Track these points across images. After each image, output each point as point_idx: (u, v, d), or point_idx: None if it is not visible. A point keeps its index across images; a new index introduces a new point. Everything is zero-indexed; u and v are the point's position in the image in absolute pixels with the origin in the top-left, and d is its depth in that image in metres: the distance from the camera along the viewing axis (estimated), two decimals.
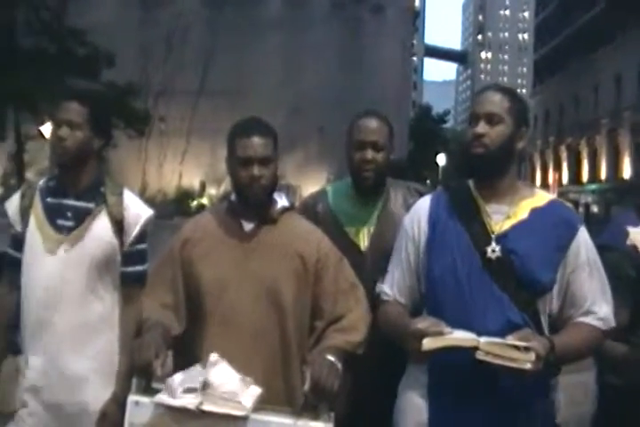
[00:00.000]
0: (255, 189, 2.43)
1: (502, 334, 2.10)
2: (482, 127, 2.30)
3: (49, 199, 2.66)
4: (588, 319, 2.28)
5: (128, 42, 31.52)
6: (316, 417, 2.14)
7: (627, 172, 41.42)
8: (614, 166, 43.47)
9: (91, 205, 2.65)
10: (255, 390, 2.15)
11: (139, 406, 2.13)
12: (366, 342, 2.45)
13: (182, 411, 2.08)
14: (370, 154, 2.86)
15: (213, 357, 2.18)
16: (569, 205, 2.49)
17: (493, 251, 2.26)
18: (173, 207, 28.64)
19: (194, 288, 2.48)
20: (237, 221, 2.52)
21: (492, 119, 2.30)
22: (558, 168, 52.44)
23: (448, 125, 74.20)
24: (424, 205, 2.47)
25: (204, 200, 33.43)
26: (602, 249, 2.40)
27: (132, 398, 2.16)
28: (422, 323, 2.13)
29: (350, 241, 2.87)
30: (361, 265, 2.73)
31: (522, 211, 2.33)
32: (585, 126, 48.40)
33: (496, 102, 2.32)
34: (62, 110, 2.62)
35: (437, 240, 2.35)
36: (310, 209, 2.97)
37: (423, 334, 2.08)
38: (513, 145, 2.34)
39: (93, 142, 2.67)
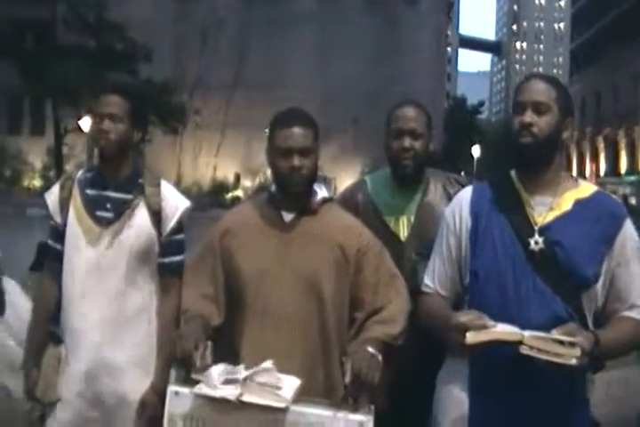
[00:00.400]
0: (295, 180, 2.42)
1: (546, 327, 2.06)
2: (529, 116, 2.26)
3: (88, 191, 2.68)
4: (634, 313, 2.24)
5: (164, 36, 31.78)
6: (355, 409, 2.13)
7: None
8: None
9: (129, 197, 2.67)
10: (295, 382, 2.15)
11: (179, 397, 2.14)
12: (405, 333, 2.43)
13: (222, 402, 2.08)
14: (408, 142, 2.87)
15: (267, 364, 2.16)
16: (614, 196, 2.44)
17: (536, 243, 2.23)
18: (208, 199, 28.81)
19: (233, 279, 2.48)
20: (277, 211, 2.51)
21: (539, 108, 2.26)
22: (595, 159, 51.76)
23: (483, 117, 73.61)
24: (465, 196, 2.44)
25: (239, 192, 33.59)
26: None
27: (171, 388, 2.18)
28: (465, 316, 2.10)
29: (390, 231, 2.87)
30: (400, 255, 2.75)
31: (566, 202, 2.28)
32: (623, 116, 47.64)
33: (543, 91, 2.28)
34: (104, 104, 2.63)
35: (480, 232, 2.32)
36: (350, 199, 2.98)
37: (466, 328, 2.06)
38: (559, 135, 2.30)
39: (133, 135, 2.69)
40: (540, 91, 2.28)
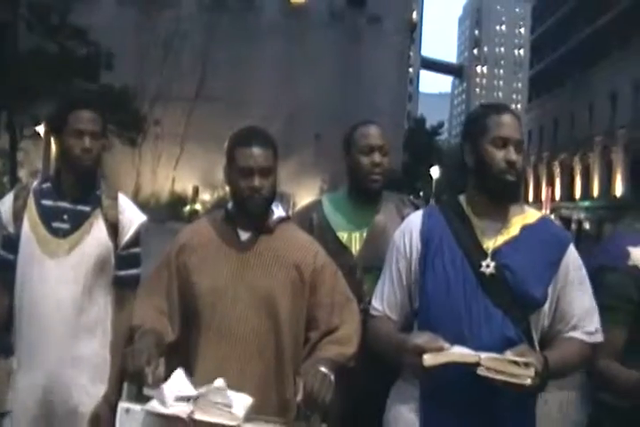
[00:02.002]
0: (255, 200, 2.42)
1: (497, 349, 2.10)
2: (514, 154, 2.30)
3: (44, 201, 2.66)
4: (577, 334, 2.30)
5: (126, 46, 31.55)
6: None
7: (619, 189, 41.60)
8: (607, 184, 43.64)
9: (87, 209, 2.67)
10: (247, 400, 2.13)
11: (129, 414, 2.11)
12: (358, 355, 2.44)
13: (173, 419, 2.06)
14: (378, 157, 2.95)
15: (219, 382, 2.13)
16: (558, 222, 2.51)
17: (487, 266, 2.27)
18: (166, 212, 28.64)
19: (189, 296, 2.47)
20: (234, 229, 2.51)
21: (518, 146, 2.32)
22: (551, 184, 52.61)
23: (442, 138, 74.36)
24: (416, 220, 2.46)
25: (197, 206, 33.41)
26: (602, 270, 2.41)
27: (122, 405, 2.15)
28: (421, 338, 2.12)
29: (342, 244, 2.93)
30: (352, 269, 2.82)
31: (513, 228, 2.34)
32: (579, 143, 48.61)
33: (519, 129, 2.34)
34: (83, 120, 2.62)
35: (431, 256, 2.34)
36: (305, 217, 3.03)
37: (423, 350, 2.07)
38: None
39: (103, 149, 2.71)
40: (518, 128, 2.34)
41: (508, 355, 2.04)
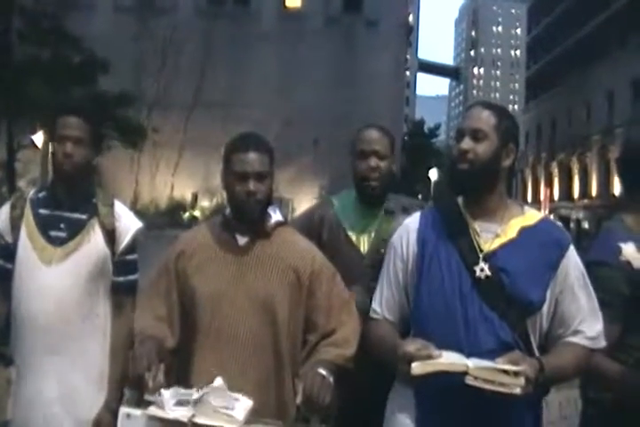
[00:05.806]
0: (251, 204, 2.45)
1: (493, 353, 2.09)
2: (466, 143, 2.30)
3: (41, 211, 2.68)
4: (578, 339, 2.27)
5: (123, 53, 31.51)
6: None
7: (617, 188, 41.59)
8: (605, 183, 43.66)
9: (83, 217, 2.68)
10: (247, 403, 2.15)
11: (130, 419, 2.13)
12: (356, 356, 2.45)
13: (174, 424, 2.07)
14: (374, 161, 2.96)
15: (218, 382, 2.16)
16: (559, 224, 2.49)
17: (482, 270, 2.25)
18: (165, 218, 28.55)
19: (188, 301, 2.49)
20: (232, 234, 2.53)
21: (476, 135, 2.30)
22: (550, 184, 52.63)
23: (440, 140, 74.32)
24: (413, 223, 2.45)
25: (196, 212, 33.36)
26: (593, 265, 2.40)
27: (123, 410, 2.16)
28: (411, 346, 2.11)
29: (353, 244, 2.97)
30: (361, 266, 2.86)
31: (511, 230, 2.31)
32: (576, 143, 48.65)
33: (482, 118, 2.32)
34: (66, 126, 2.63)
35: (427, 259, 2.33)
36: (316, 214, 3.07)
37: (412, 358, 2.06)
38: (498, 162, 2.32)
39: (94, 156, 2.71)
40: (478, 118, 2.33)
41: (499, 363, 2.03)
